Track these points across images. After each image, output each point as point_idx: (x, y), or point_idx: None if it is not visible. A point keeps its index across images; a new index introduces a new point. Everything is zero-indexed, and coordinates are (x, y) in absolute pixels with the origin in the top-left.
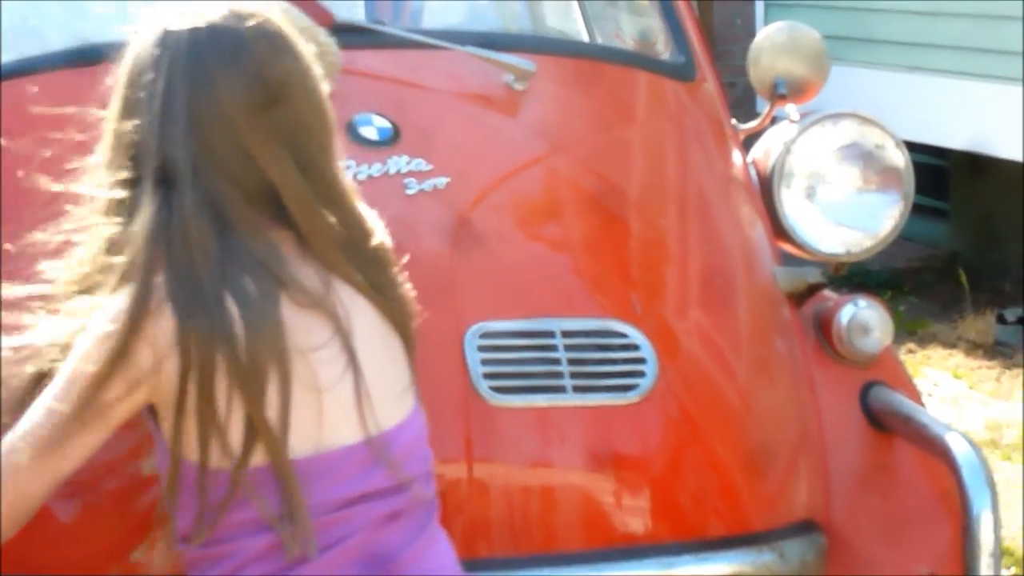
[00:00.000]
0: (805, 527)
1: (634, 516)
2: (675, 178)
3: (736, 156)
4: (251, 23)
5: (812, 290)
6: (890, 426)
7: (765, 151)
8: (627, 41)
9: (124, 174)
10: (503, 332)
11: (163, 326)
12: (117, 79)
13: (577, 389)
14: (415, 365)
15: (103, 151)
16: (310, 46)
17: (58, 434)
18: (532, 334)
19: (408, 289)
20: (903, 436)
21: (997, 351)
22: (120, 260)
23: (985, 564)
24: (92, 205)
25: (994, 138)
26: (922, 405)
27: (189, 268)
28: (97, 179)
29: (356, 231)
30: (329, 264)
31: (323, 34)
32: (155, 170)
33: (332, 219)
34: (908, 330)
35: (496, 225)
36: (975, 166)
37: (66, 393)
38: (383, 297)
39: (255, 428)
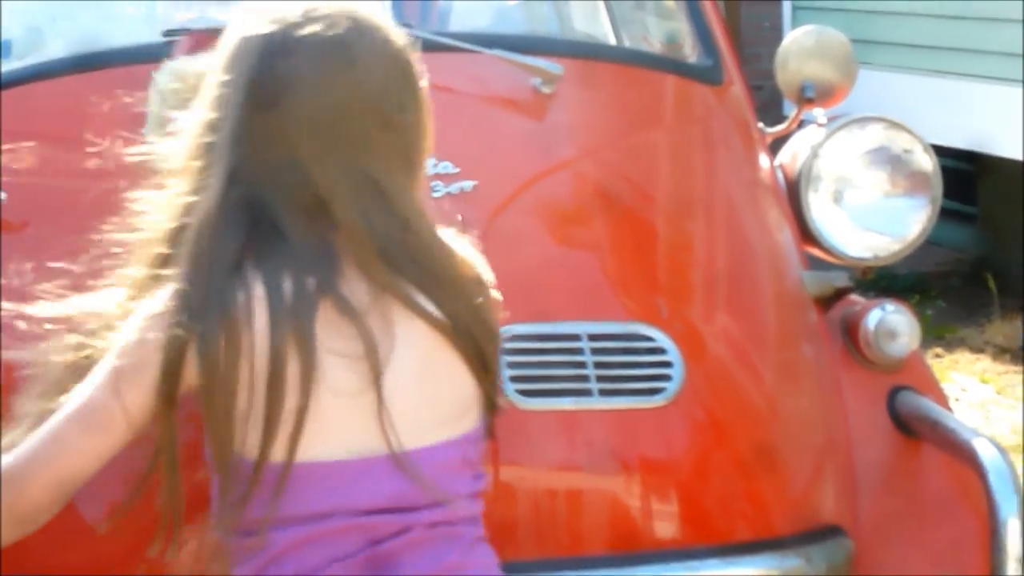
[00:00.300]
0: (832, 532)
1: (660, 520)
2: (702, 182)
3: (763, 160)
4: (319, 27)
5: (839, 294)
6: (917, 431)
7: (792, 155)
8: (654, 44)
9: (188, 171)
10: (529, 335)
11: (159, 326)
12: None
13: (603, 392)
14: (491, 387)
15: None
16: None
17: (56, 436)
18: (558, 337)
19: (490, 314)
20: (930, 441)
21: None
22: (153, 254)
23: (1012, 568)
24: (155, 201)
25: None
26: (949, 410)
27: (199, 267)
28: (171, 176)
29: (419, 250)
30: (378, 281)
31: None
32: (201, 169)
33: (389, 235)
34: (935, 335)
35: (523, 228)
36: (1003, 170)
37: (75, 396)
38: (447, 321)
39: (269, 424)
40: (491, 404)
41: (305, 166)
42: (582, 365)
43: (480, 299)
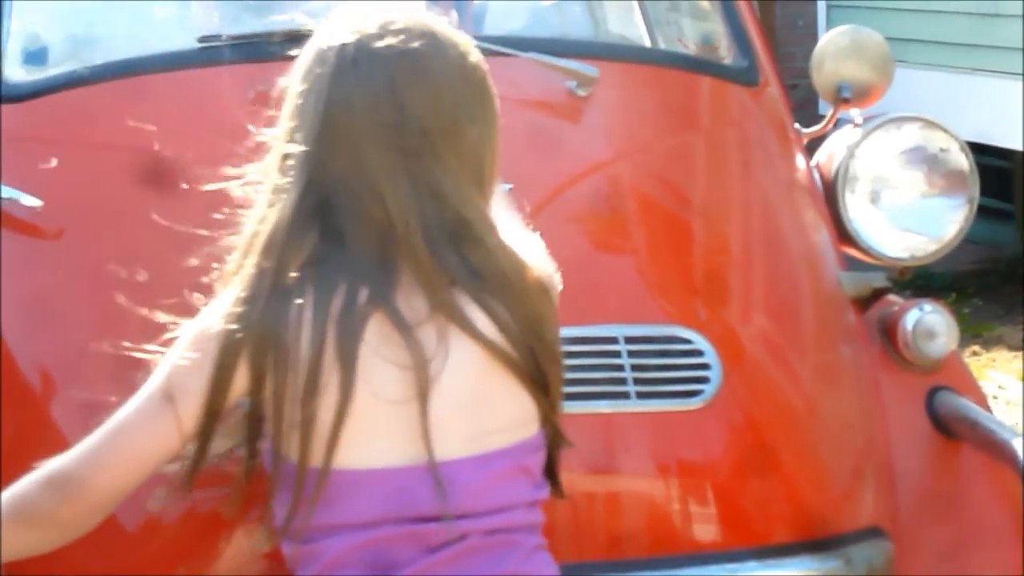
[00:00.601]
0: (871, 533)
1: (699, 522)
2: (739, 183)
3: (800, 161)
4: (394, 40)
5: (877, 294)
6: (956, 431)
7: (829, 155)
8: (689, 46)
9: (269, 180)
10: (566, 338)
11: (214, 335)
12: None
13: (641, 395)
14: (548, 409)
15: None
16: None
17: (107, 441)
18: (595, 340)
19: (553, 331)
20: (969, 441)
21: None
22: (231, 262)
23: None
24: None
25: None
26: (988, 410)
27: (262, 277)
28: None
29: (482, 263)
30: (433, 295)
31: None
32: (280, 179)
33: (450, 249)
34: (972, 333)
35: (558, 231)
36: None
37: (129, 401)
38: (502, 342)
39: (306, 430)
40: (549, 424)
41: (374, 176)
42: (619, 368)
43: (544, 315)
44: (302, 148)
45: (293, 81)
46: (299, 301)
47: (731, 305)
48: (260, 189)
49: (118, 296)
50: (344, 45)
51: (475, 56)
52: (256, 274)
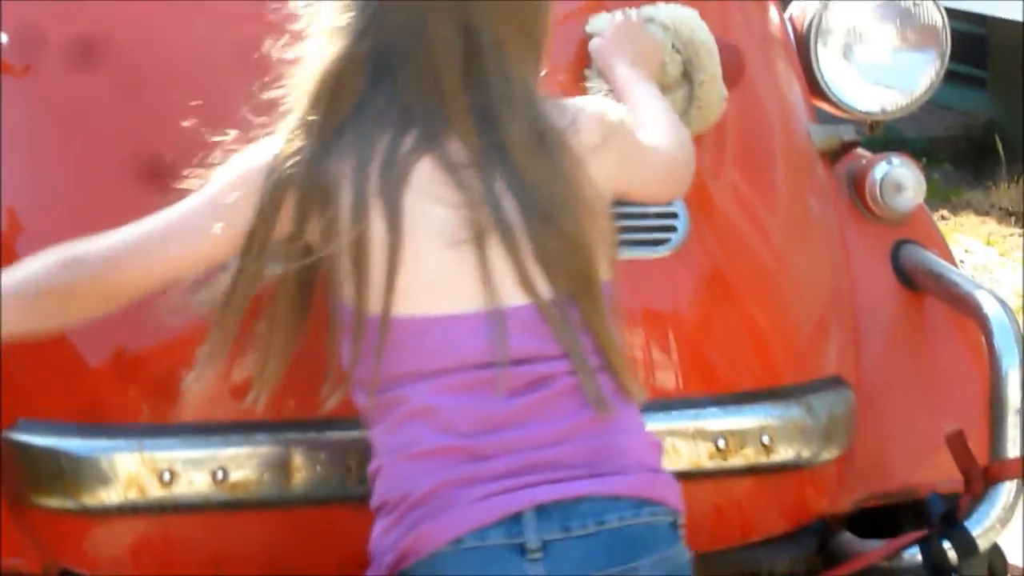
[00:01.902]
0: (833, 382)
1: (663, 370)
2: (712, 33)
3: (773, 13)
4: None
5: (846, 148)
6: (921, 284)
7: (802, 8)
8: None
9: (319, 27)
10: None
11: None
12: None
13: None
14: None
15: None
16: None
17: (151, 236)
18: None
19: (575, 205)
20: (933, 294)
21: None
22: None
23: (1012, 422)
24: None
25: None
26: (954, 264)
27: (312, 117)
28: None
29: (508, 114)
30: (468, 144)
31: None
32: (332, 23)
33: (484, 97)
34: (941, 198)
35: None
36: (1014, 34)
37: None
38: (534, 191)
39: (359, 274)
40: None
41: (425, 21)
42: None
43: (562, 190)
44: None
45: None
46: (340, 154)
47: (700, 155)
48: (307, 36)
49: (87, 134)
50: None
51: None
52: (306, 116)
